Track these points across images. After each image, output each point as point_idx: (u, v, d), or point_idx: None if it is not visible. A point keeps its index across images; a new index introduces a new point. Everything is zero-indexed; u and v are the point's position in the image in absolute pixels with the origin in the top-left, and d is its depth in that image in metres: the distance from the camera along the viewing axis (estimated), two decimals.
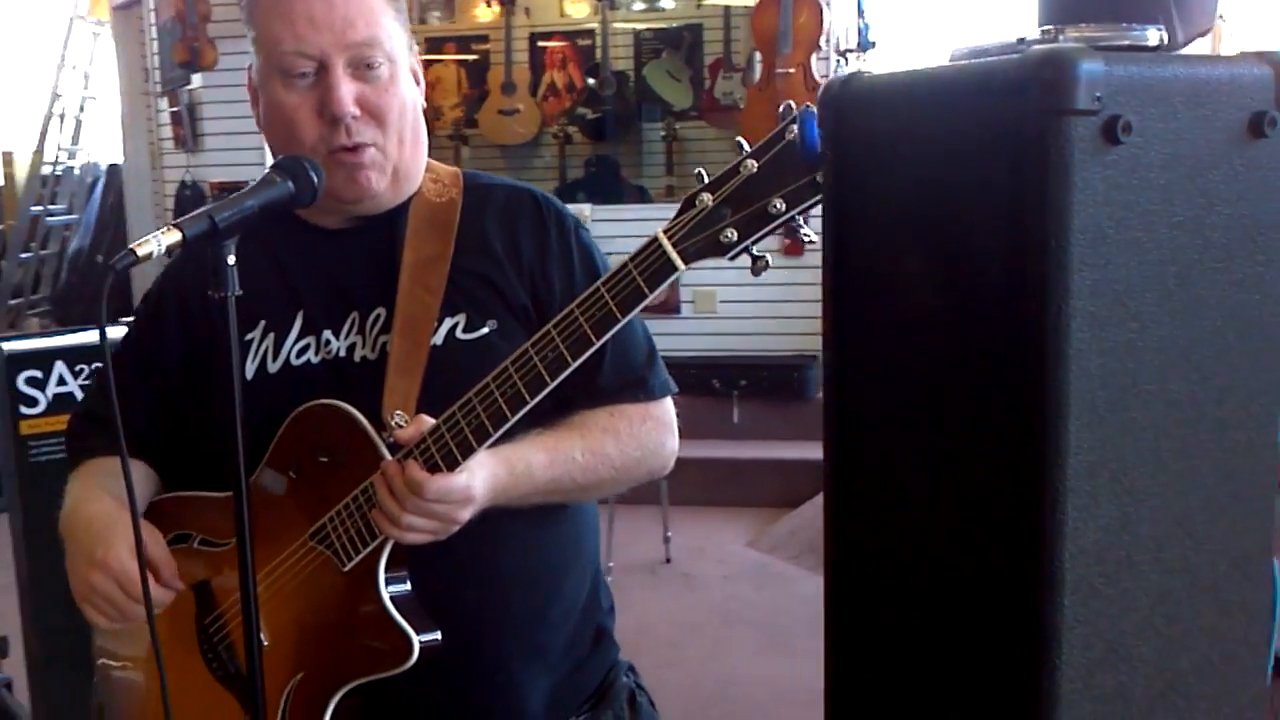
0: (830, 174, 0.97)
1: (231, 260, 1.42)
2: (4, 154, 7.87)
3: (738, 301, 6.09)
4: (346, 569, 1.56)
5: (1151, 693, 0.92)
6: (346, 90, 1.56)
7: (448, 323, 1.63)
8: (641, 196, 6.94)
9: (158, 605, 1.58)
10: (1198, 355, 0.90)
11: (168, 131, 6.18)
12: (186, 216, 1.47)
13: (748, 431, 5.85)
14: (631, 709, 1.80)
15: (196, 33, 5.70)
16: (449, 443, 1.46)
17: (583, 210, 6.36)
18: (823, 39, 5.84)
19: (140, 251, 1.40)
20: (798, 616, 4.58)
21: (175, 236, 1.42)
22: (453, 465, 1.46)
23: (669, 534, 5.08)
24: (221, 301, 1.41)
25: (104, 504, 1.62)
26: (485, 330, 1.63)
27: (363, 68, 1.57)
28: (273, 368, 1.66)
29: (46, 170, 7.52)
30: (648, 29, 7.38)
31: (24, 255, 7.66)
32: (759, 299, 6.07)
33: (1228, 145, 0.88)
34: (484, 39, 7.32)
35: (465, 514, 1.49)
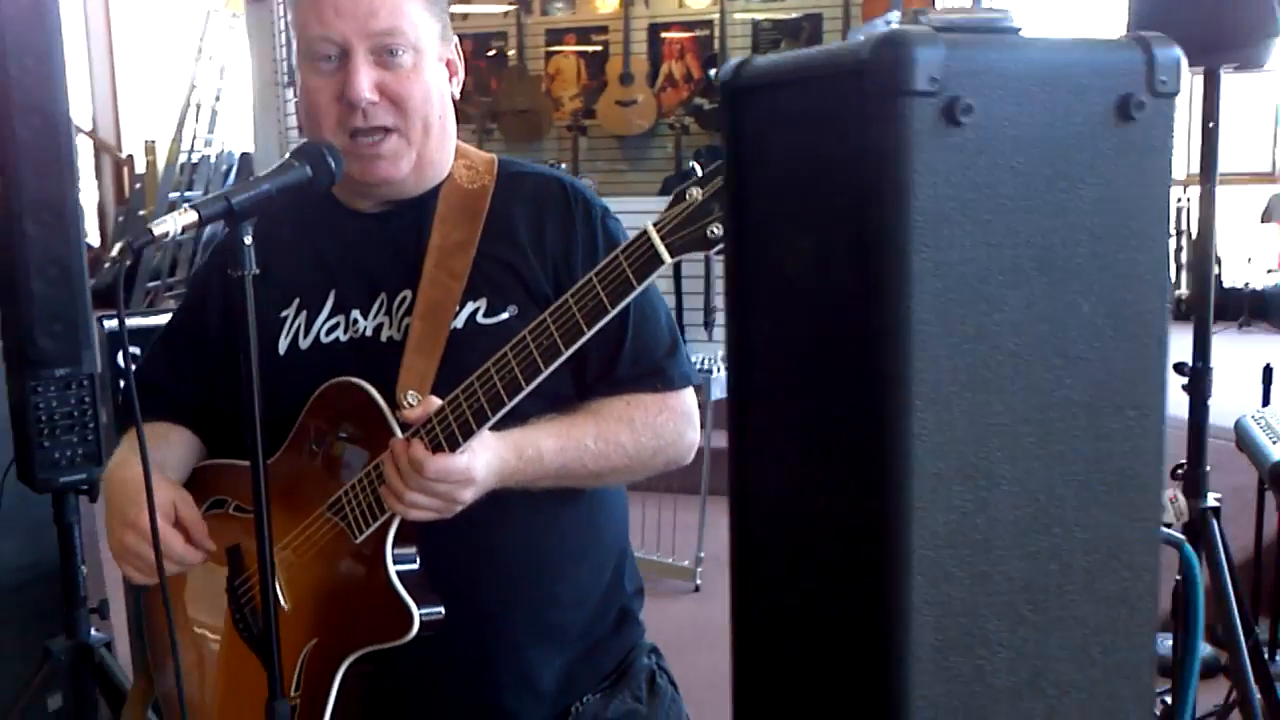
0: (727, 161, 0.99)
1: (248, 240, 1.49)
2: (147, 143, 8.26)
3: None
4: (358, 541, 1.63)
5: (1017, 679, 0.91)
6: (365, 76, 1.62)
7: (469, 307, 1.68)
8: None
9: (187, 565, 1.68)
10: (1063, 340, 0.89)
11: (293, 121, 6.40)
12: (204, 198, 1.56)
13: None
14: (650, 690, 1.83)
15: None
16: (451, 424, 1.51)
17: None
18: None
19: (157, 231, 1.49)
20: None
21: (191, 217, 1.50)
22: (455, 446, 1.51)
23: None
24: (240, 280, 1.48)
25: (138, 469, 1.72)
26: (505, 315, 1.68)
27: (385, 55, 1.63)
28: (304, 344, 1.74)
29: (183, 158, 7.88)
30: (766, 19, 7.36)
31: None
32: None
33: (1094, 128, 0.88)
34: (603, 30, 7.40)
35: (467, 494, 1.54)
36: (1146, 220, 0.90)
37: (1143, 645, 0.95)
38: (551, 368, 1.47)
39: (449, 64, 1.73)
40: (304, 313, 1.74)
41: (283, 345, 1.74)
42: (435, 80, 1.69)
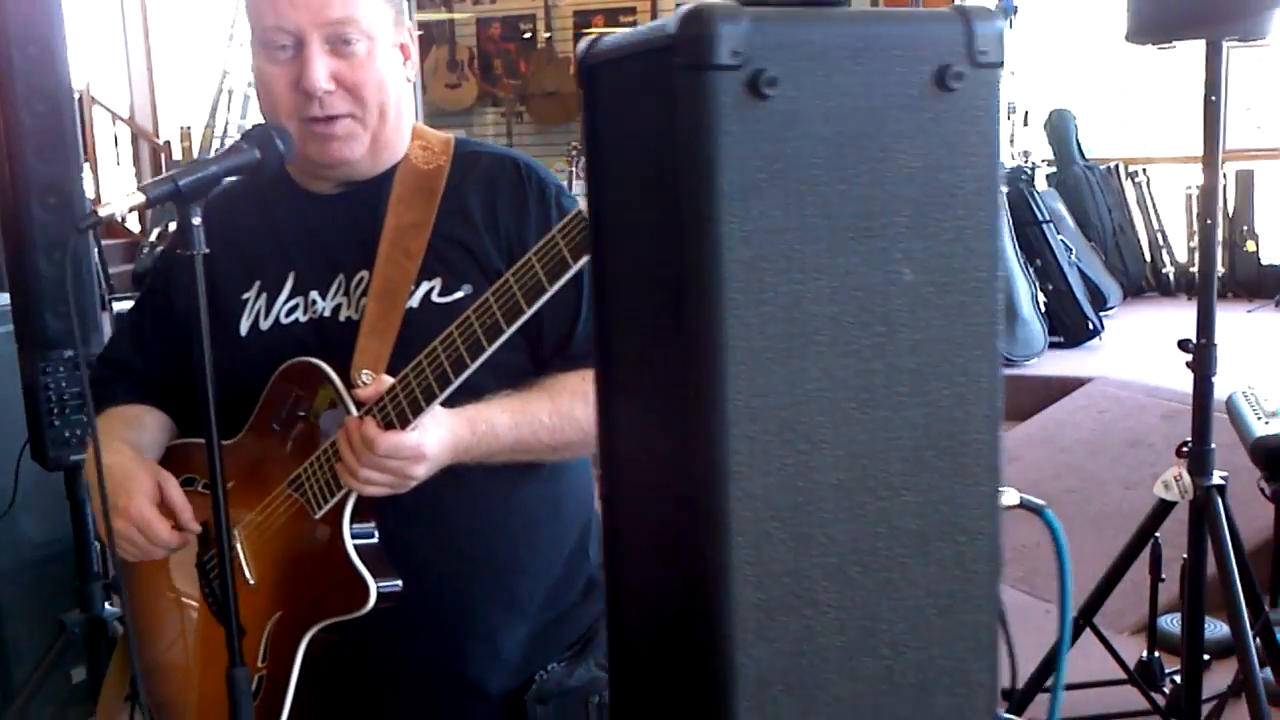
0: (584, 137, 1.01)
1: (197, 221, 1.55)
2: (182, 129, 8.41)
3: None
4: (317, 517, 1.68)
5: (848, 639, 0.93)
6: (321, 66, 1.66)
7: (424, 286, 1.72)
8: None
9: (174, 549, 1.74)
10: (884, 308, 0.91)
11: None
12: (153, 180, 1.62)
13: None
14: None
15: None
16: (402, 402, 1.56)
17: None
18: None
19: (102, 212, 1.55)
20: None
21: (139, 199, 1.56)
22: (406, 423, 1.55)
23: None
24: (190, 260, 1.54)
25: (123, 454, 1.79)
26: (460, 294, 1.72)
27: (339, 44, 1.68)
28: (264, 325, 1.79)
29: (216, 144, 8.01)
30: None
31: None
32: None
33: (911, 99, 0.89)
34: (631, 11, 7.41)
35: (419, 470, 1.59)
36: (971, 189, 0.91)
37: (982, 607, 0.97)
38: (495, 345, 1.51)
39: (403, 48, 1.77)
40: (264, 295, 1.79)
41: (244, 327, 1.79)
42: (389, 66, 1.73)
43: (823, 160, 0.87)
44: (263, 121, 1.70)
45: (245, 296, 1.80)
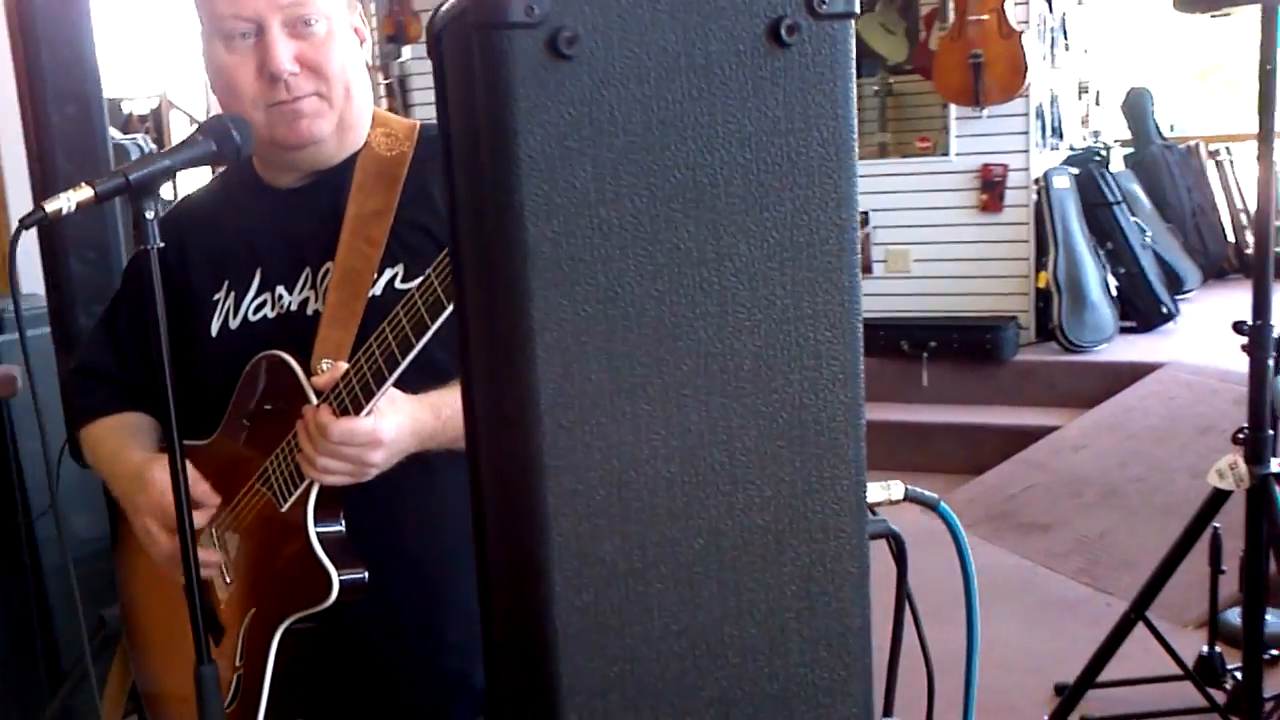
0: (437, 106, 0.95)
1: (150, 215, 1.52)
2: None
3: (932, 260, 5.87)
4: (284, 509, 1.65)
5: (692, 647, 0.86)
6: (284, 49, 1.63)
7: (387, 273, 1.68)
8: None
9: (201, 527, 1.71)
10: (720, 287, 0.83)
11: (384, 105, 6.55)
12: (104, 174, 1.59)
13: (936, 395, 5.64)
14: None
15: (402, 6, 5.98)
16: (355, 387, 1.52)
17: None
18: None
19: (49, 208, 1.52)
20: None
21: (87, 193, 1.53)
22: (359, 409, 1.52)
23: None
24: (145, 255, 1.51)
25: (134, 458, 1.77)
26: None
27: (299, 25, 1.64)
28: (233, 325, 1.77)
29: None
30: None
31: None
32: (955, 257, 5.83)
33: (742, 56, 0.81)
34: None
35: (375, 456, 1.55)
36: (817, 156, 0.83)
37: (848, 611, 0.88)
38: (439, 322, 1.46)
39: (357, 31, 1.73)
40: (232, 294, 1.77)
41: (214, 327, 1.77)
42: (348, 47, 1.70)
43: (640, 125, 0.80)
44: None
45: (216, 298, 1.78)
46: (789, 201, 0.83)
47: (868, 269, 5.97)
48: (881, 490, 0.95)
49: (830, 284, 0.85)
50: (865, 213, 6.11)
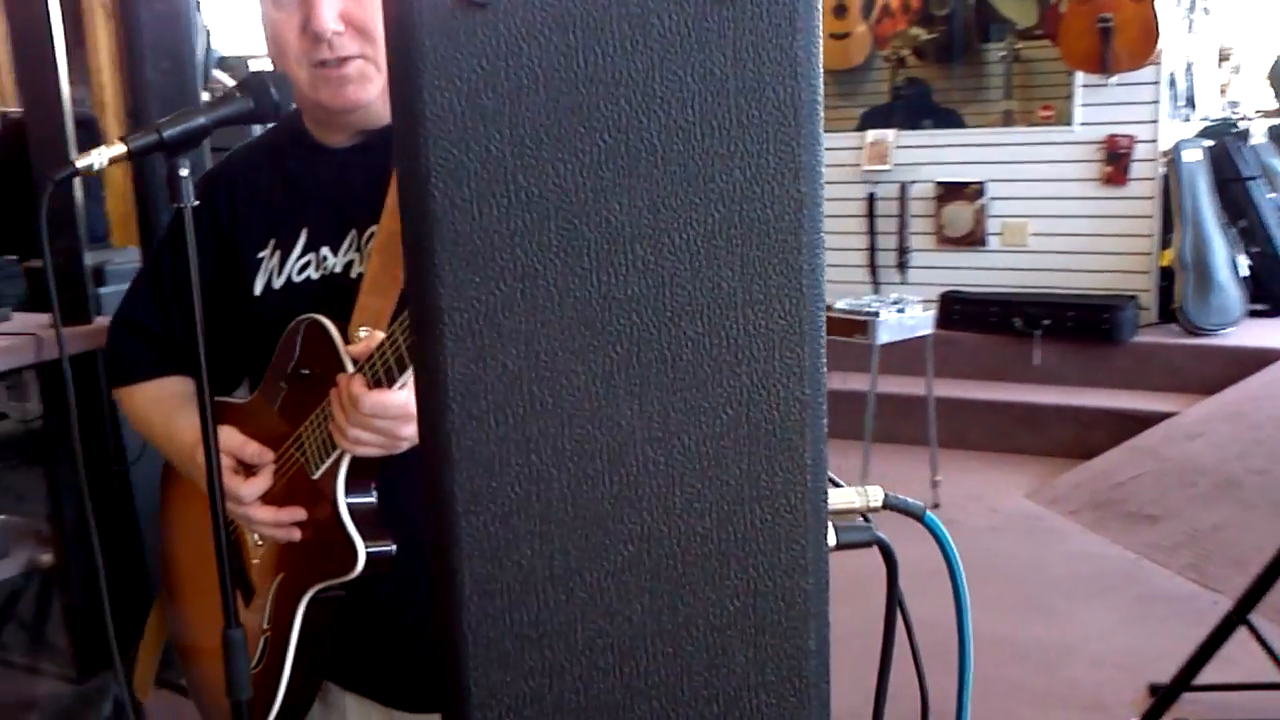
0: None
1: (184, 173, 1.49)
2: None
3: (1051, 235, 5.63)
4: (315, 477, 1.62)
5: (619, 663, 0.78)
6: (329, 6, 1.58)
7: None
8: (952, 121, 6.53)
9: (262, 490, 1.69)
10: (657, 264, 0.74)
11: None
12: (138, 131, 1.56)
13: (1047, 375, 5.42)
14: None
15: None
16: (390, 359, 1.48)
17: (885, 137, 6.10)
18: None
19: (80, 164, 1.50)
20: (1059, 574, 4.24)
21: (119, 149, 1.51)
22: (392, 381, 1.47)
23: (937, 478, 4.83)
24: (197, 214, 1.49)
25: (185, 437, 1.76)
26: None
27: None
28: (277, 284, 1.74)
29: None
30: None
31: None
32: (1074, 232, 5.58)
33: (687, 5, 0.72)
34: None
35: (407, 429, 1.51)
36: (771, 118, 0.73)
37: (799, 630, 0.79)
38: None
39: None
40: (278, 253, 1.74)
41: (258, 286, 1.74)
42: None
43: (565, 82, 0.71)
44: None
45: (260, 255, 1.74)
46: (737, 171, 0.74)
47: (981, 241, 5.75)
48: (857, 496, 0.86)
49: (785, 265, 0.75)
50: (981, 184, 5.87)
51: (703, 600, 0.78)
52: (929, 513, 0.86)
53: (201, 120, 1.50)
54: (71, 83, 2.77)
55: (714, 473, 0.77)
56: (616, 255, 0.74)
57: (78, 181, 2.84)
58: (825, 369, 0.78)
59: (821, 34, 0.75)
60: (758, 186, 0.74)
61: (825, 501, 0.79)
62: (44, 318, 2.93)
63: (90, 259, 2.97)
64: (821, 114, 0.75)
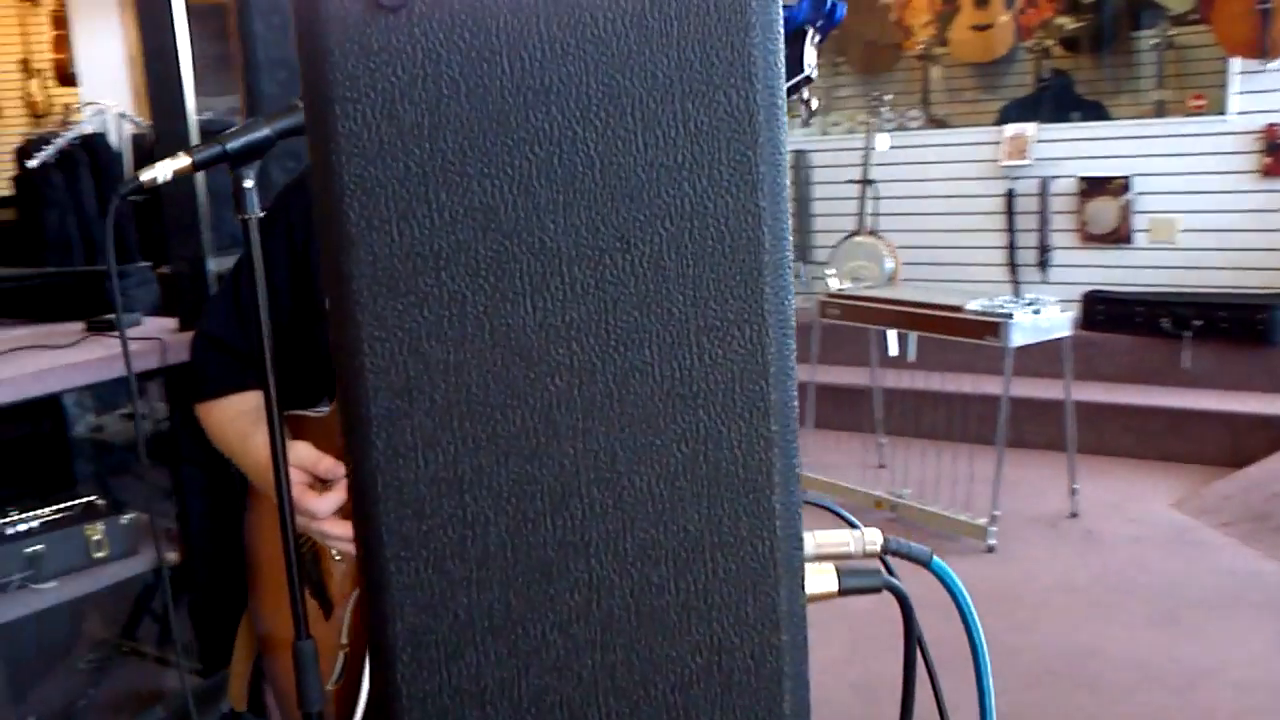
0: None
1: (249, 184, 1.48)
2: None
3: (1202, 231, 5.33)
4: None
5: (559, 684, 0.72)
6: None
7: None
8: (1097, 114, 6.23)
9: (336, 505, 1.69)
10: (588, 269, 0.67)
11: None
12: (201, 143, 1.56)
13: (1197, 379, 5.13)
14: None
15: None
16: None
17: (1025, 131, 5.86)
18: None
19: (144, 178, 1.50)
20: (1205, 591, 4.00)
21: (184, 162, 1.51)
22: None
23: (1076, 486, 4.61)
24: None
25: (261, 455, 1.76)
26: None
27: None
28: None
29: None
30: None
31: None
32: (1227, 228, 5.27)
33: (627, 6, 0.65)
34: None
35: None
36: (723, 125, 0.66)
37: (770, 691, 0.71)
38: None
39: None
40: None
41: None
42: None
43: (491, 90, 0.65)
44: None
45: None
46: (686, 185, 0.66)
47: (1127, 238, 5.46)
48: (852, 540, 0.77)
49: (744, 288, 0.67)
50: (1126, 178, 5.59)
51: (661, 655, 0.71)
52: (936, 559, 0.77)
53: (265, 131, 1.48)
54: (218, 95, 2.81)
55: (669, 517, 0.69)
56: (552, 279, 0.67)
57: (202, 188, 2.88)
58: (796, 402, 0.70)
59: (781, 29, 0.67)
60: (710, 201, 0.67)
61: (799, 548, 0.71)
62: (171, 322, 2.99)
63: (215, 265, 3.01)
64: (784, 120, 0.67)
